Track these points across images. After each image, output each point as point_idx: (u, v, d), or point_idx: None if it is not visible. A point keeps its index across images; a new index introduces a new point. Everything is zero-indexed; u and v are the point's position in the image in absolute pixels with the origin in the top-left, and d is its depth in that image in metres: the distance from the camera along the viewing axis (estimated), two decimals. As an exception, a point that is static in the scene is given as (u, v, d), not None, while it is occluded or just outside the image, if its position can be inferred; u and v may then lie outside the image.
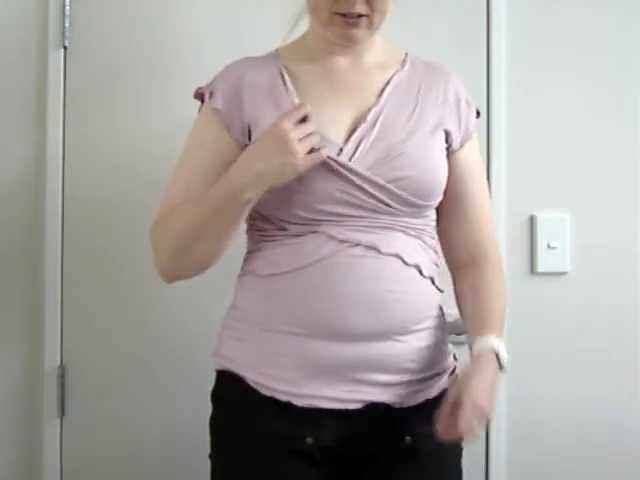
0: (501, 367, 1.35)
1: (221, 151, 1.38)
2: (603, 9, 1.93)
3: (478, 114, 1.48)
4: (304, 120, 1.29)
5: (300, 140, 1.27)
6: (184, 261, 1.37)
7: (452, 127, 1.41)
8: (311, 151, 1.29)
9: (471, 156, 1.45)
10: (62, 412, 1.88)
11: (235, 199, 1.30)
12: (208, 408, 1.41)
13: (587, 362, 1.92)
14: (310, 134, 1.29)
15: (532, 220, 1.92)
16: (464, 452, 1.44)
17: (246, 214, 1.35)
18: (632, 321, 1.94)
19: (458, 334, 1.81)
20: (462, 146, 1.43)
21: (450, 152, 1.41)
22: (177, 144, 1.45)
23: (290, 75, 1.40)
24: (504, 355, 1.36)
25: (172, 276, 1.42)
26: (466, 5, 1.91)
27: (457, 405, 1.26)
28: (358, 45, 1.39)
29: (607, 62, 1.93)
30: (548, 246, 1.92)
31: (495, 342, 1.36)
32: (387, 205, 1.34)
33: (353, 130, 1.35)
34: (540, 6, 1.92)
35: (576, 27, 1.93)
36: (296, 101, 1.36)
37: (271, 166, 1.28)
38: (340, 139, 1.34)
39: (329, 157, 1.31)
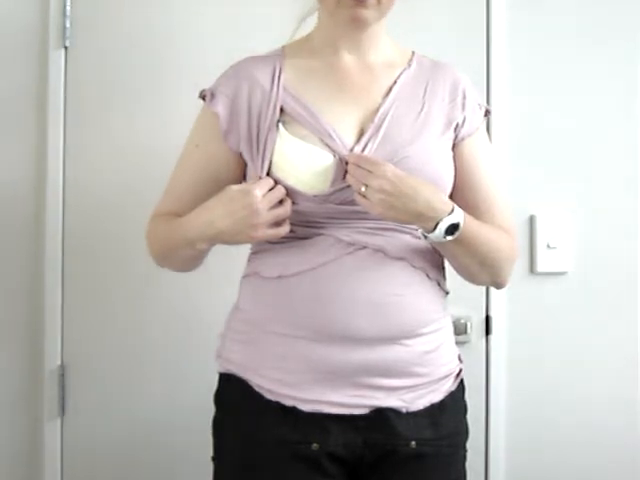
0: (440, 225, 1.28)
1: (217, 158, 1.39)
2: (603, 8, 1.93)
3: (487, 112, 1.46)
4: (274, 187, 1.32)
5: (269, 210, 1.29)
6: (165, 263, 1.47)
7: (460, 121, 1.40)
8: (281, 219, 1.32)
9: (475, 150, 1.42)
10: (62, 412, 1.88)
11: (189, 246, 1.36)
12: (210, 409, 1.40)
13: (587, 362, 1.92)
14: (281, 201, 1.31)
15: (532, 220, 1.92)
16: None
17: (207, 253, 1.41)
18: (632, 321, 1.94)
19: (458, 334, 1.82)
20: (464, 140, 1.40)
21: (455, 144, 1.40)
22: (178, 143, 1.44)
23: (289, 75, 1.39)
24: (455, 221, 1.29)
25: (160, 266, 1.48)
26: (466, 5, 1.91)
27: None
28: (366, 27, 1.37)
29: (608, 61, 1.93)
30: (548, 246, 1.92)
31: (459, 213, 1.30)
32: None
33: (361, 130, 1.35)
34: (540, 6, 1.92)
35: (576, 26, 1.93)
36: (278, 106, 1.35)
37: (231, 230, 1.31)
38: (350, 139, 1.34)
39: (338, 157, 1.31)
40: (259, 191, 1.29)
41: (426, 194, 1.28)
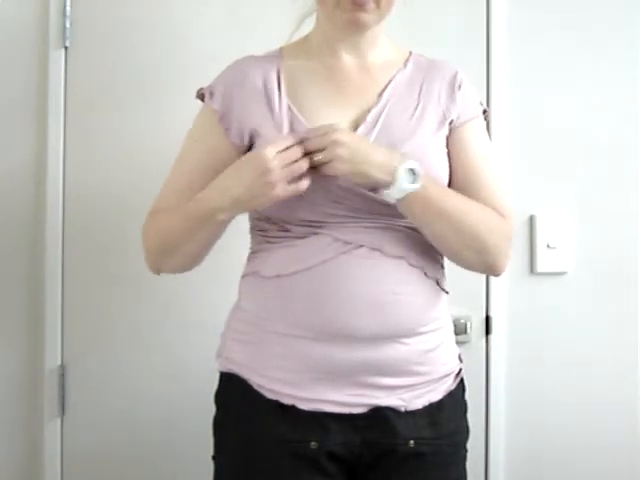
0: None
1: (218, 151, 1.38)
2: (604, 8, 1.93)
3: (484, 112, 1.46)
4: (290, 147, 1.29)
5: (283, 168, 1.27)
6: (166, 260, 1.41)
7: (454, 114, 1.39)
8: (300, 176, 1.29)
9: (471, 137, 1.41)
10: (62, 411, 1.88)
11: (209, 219, 1.32)
12: (210, 409, 1.40)
13: (587, 362, 1.92)
14: (296, 161, 1.28)
15: (532, 220, 1.92)
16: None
17: (224, 230, 1.38)
18: (632, 321, 1.94)
19: (458, 334, 1.82)
20: (458, 128, 1.40)
21: (450, 134, 1.39)
22: (177, 142, 1.44)
23: (288, 75, 1.39)
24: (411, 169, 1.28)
25: (156, 269, 1.44)
26: (466, 5, 1.91)
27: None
28: (365, 30, 1.37)
29: (608, 62, 1.93)
30: (548, 246, 1.92)
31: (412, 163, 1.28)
32: (387, 208, 1.33)
33: (354, 131, 1.34)
34: (540, 6, 1.92)
35: (576, 26, 1.93)
36: (285, 105, 1.35)
37: (248, 193, 1.28)
38: None
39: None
40: (271, 150, 1.26)
41: (377, 147, 1.29)
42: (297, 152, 1.28)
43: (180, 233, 1.36)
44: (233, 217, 1.34)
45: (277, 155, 1.26)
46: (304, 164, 1.28)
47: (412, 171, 1.27)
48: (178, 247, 1.38)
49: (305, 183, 1.28)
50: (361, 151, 1.27)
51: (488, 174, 1.41)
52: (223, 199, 1.30)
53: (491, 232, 1.35)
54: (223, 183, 1.30)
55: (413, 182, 1.27)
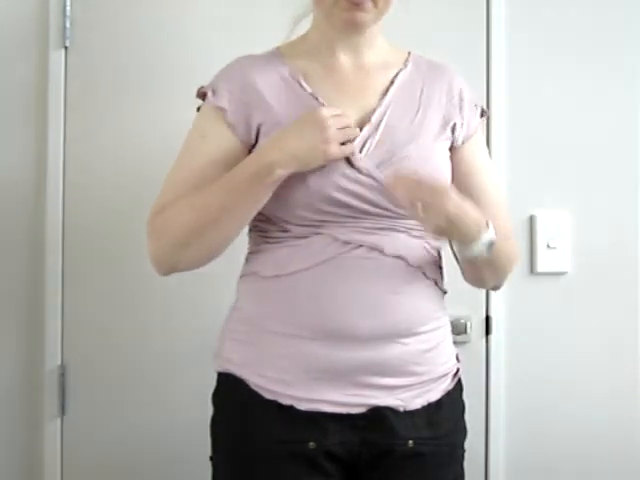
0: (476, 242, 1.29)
1: (224, 147, 1.36)
2: (603, 8, 1.94)
3: (483, 113, 1.47)
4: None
5: (338, 129, 1.30)
6: (187, 253, 1.34)
7: (458, 123, 1.41)
8: (343, 143, 1.31)
9: (475, 152, 1.43)
10: (62, 411, 1.88)
11: (264, 176, 1.28)
12: (209, 409, 1.40)
13: (587, 362, 1.92)
14: (346, 126, 1.31)
15: (532, 220, 1.92)
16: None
17: (267, 197, 1.32)
18: (632, 321, 1.94)
19: (458, 334, 1.82)
20: (464, 143, 1.42)
21: (453, 148, 1.41)
22: (178, 143, 1.43)
23: (301, 73, 1.39)
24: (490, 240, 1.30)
25: (169, 268, 1.37)
26: (466, 5, 1.91)
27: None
28: (363, 30, 1.37)
29: (607, 61, 1.94)
30: (548, 246, 1.92)
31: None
32: (387, 209, 1.33)
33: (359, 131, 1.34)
34: (540, 6, 1.93)
35: (576, 26, 1.93)
36: (320, 99, 1.36)
37: (305, 148, 1.29)
38: None
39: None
40: (327, 111, 1.30)
41: (472, 214, 1.29)
42: (349, 119, 1.32)
43: (214, 212, 1.30)
44: (284, 177, 1.30)
45: (332, 117, 1.30)
46: (356, 130, 1.32)
47: (490, 243, 1.29)
48: (205, 233, 1.31)
49: (352, 147, 1.31)
50: (454, 224, 1.26)
51: (498, 193, 1.45)
52: (282, 153, 1.29)
53: (512, 265, 1.45)
54: (280, 138, 1.31)
55: (487, 249, 1.30)
